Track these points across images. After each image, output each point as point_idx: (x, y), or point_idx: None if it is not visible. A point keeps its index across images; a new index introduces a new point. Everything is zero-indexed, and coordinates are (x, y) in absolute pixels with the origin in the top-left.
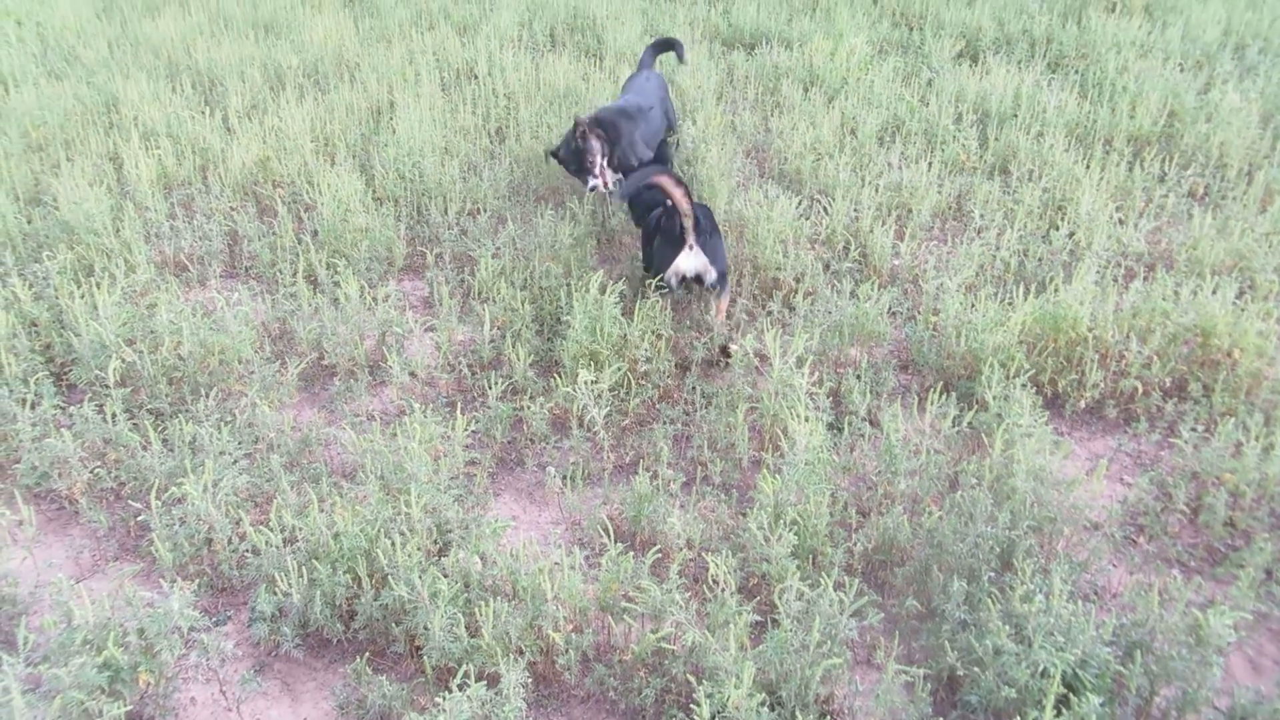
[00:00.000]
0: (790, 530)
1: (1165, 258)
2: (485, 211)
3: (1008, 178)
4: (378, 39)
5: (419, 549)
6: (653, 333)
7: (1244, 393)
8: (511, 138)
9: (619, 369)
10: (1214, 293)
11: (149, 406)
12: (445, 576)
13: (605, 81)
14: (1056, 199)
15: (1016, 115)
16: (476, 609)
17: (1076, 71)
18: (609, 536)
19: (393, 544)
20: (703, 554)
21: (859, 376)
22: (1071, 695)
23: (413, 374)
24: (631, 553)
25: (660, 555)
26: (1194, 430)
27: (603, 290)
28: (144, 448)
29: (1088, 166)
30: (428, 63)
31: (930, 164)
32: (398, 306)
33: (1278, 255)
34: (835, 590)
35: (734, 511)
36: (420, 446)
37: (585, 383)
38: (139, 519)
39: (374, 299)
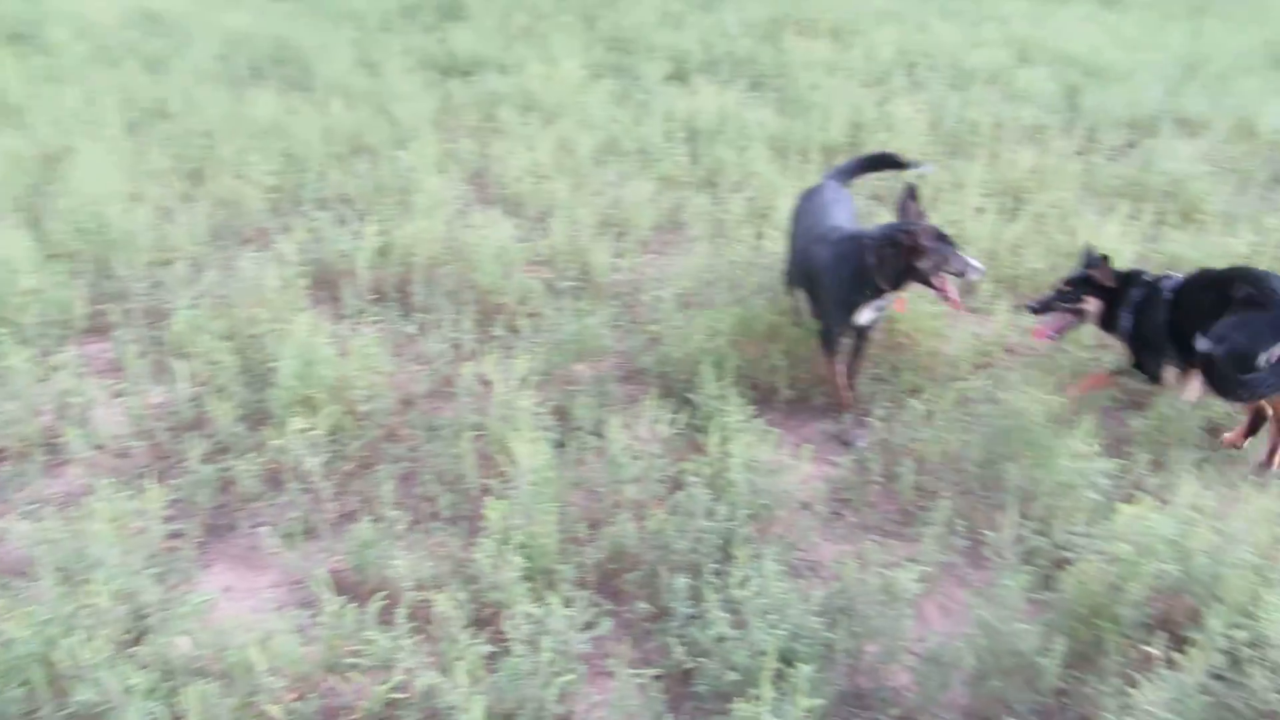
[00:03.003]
0: (519, 553)
1: None
2: (181, 259)
3: (716, 189)
4: (47, 79)
5: (109, 641)
6: (371, 370)
7: (924, 370)
8: (210, 178)
9: (335, 412)
10: None
11: None
12: (143, 668)
13: (315, 115)
14: (761, 207)
15: (723, 131)
16: (181, 697)
17: (775, 89)
18: (329, 591)
19: (76, 641)
20: (431, 593)
21: (585, 392)
22: (787, 668)
23: (99, 447)
24: (356, 604)
25: (388, 601)
26: (885, 407)
27: (313, 331)
28: None
29: (787, 175)
30: (112, 103)
31: (645, 180)
32: (78, 373)
33: None
34: (565, 607)
35: (465, 543)
36: (109, 527)
37: (298, 431)
38: None
39: (49, 368)
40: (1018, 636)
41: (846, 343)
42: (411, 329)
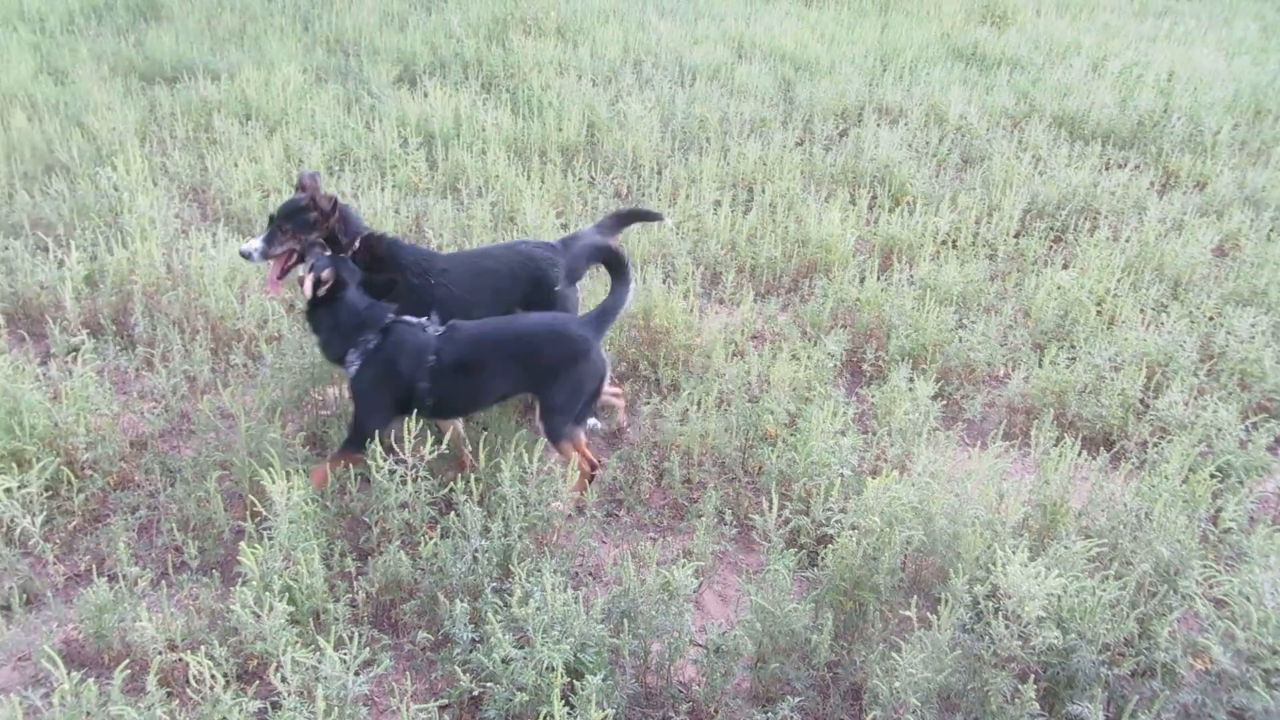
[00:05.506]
0: (282, 598)
1: None
2: None
3: (459, 195)
4: None
5: None
6: (90, 413)
7: (681, 364)
8: None
9: (52, 464)
10: (645, 280)
11: None
12: None
13: None
14: (506, 211)
15: (459, 135)
16: None
17: (507, 90)
18: (58, 666)
19: None
20: (185, 652)
21: (340, 417)
22: (577, 681)
23: None
24: (96, 676)
25: (136, 668)
26: (648, 404)
27: (15, 375)
28: None
29: (528, 177)
30: None
31: (384, 189)
32: None
33: (689, 241)
34: (337, 649)
35: (220, 594)
36: None
37: (7, 490)
38: None
39: None
40: (790, 616)
41: None
42: (135, 364)
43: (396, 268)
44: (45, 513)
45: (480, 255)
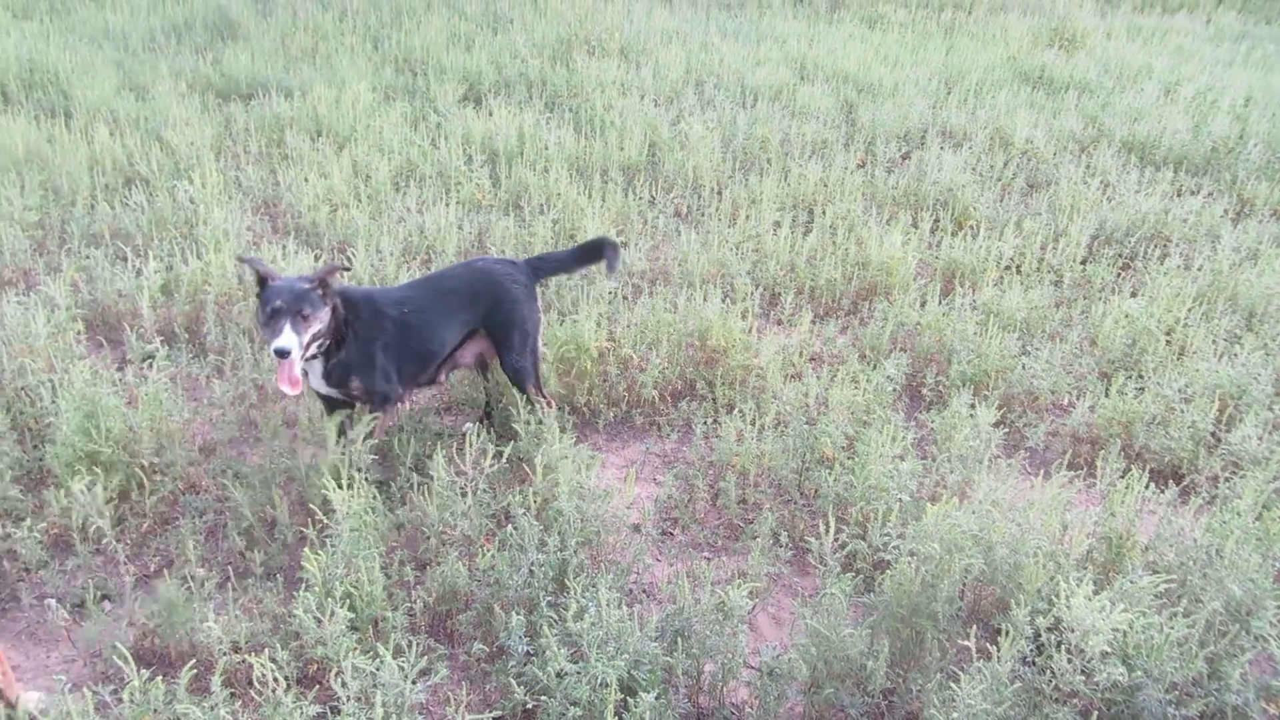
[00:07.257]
0: (344, 605)
1: (664, 273)
2: None
3: (521, 212)
4: None
5: None
6: (164, 418)
7: (738, 384)
8: None
9: (125, 466)
10: (704, 300)
11: None
12: None
13: (78, 144)
14: (567, 228)
15: (523, 153)
16: None
17: (570, 110)
18: (129, 664)
19: None
20: (249, 654)
21: (403, 427)
22: (630, 698)
23: None
24: (164, 674)
25: (202, 668)
26: (704, 424)
27: (93, 380)
28: None
29: (590, 196)
30: None
31: (448, 205)
32: None
33: (748, 261)
34: (396, 657)
35: (282, 598)
36: None
37: (84, 490)
38: None
39: None
40: (846, 642)
41: None
42: (206, 371)
43: (352, 311)
44: (118, 514)
45: (442, 277)
